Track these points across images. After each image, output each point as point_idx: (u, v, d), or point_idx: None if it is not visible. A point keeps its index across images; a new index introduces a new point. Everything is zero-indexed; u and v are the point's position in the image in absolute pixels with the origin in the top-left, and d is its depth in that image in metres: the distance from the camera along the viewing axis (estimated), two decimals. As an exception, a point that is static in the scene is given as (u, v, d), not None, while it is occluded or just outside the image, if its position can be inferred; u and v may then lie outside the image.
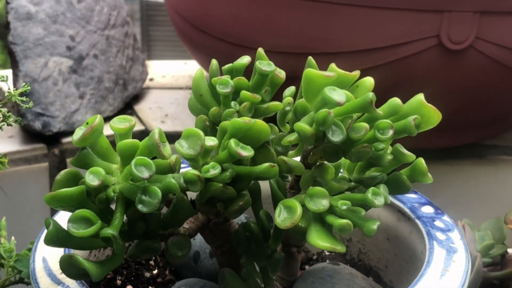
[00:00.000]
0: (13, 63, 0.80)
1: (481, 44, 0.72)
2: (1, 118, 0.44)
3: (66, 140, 0.82)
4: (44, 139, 0.82)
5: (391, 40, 0.71)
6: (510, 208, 0.89)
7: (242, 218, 0.57)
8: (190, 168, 0.44)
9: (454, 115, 0.77)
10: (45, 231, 0.50)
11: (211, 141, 0.42)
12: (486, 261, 0.66)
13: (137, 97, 0.96)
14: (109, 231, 0.39)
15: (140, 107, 0.94)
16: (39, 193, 0.81)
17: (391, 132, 0.42)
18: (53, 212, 0.83)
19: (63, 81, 0.83)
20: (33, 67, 0.81)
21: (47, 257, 0.47)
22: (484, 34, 0.71)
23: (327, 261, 0.58)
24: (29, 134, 0.82)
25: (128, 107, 0.93)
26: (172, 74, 1.07)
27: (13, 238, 0.52)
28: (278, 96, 0.48)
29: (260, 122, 0.42)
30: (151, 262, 0.55)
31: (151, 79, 1.04)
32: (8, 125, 0.44)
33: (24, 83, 0.46)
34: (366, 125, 0.42)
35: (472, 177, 0.88)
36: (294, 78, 0.49)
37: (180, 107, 0.95)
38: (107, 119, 0.88)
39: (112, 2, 0.94)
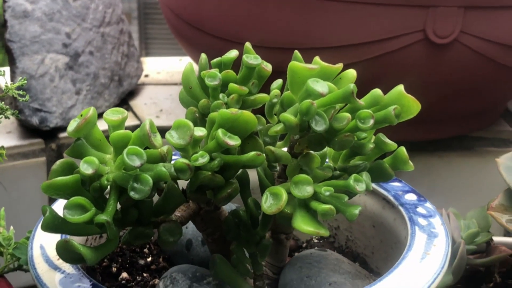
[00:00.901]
0: (11, 60, 0.82)
1: (466, 38, 0.74)
2: (-1, 112, 0.46)
3: (63, 135, 0.84)
4: (42, 134, 0.84)
5: (378, 35, 0.73)
6: (497, 198, 0.91)
7: (233, 207, 0.59)
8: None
9: (441, 108, 0.79)
10: (42, 220, 0.52)
11: (200, 131, 0.44)
12: (471, 248, 0.68)
13: (132, 93, 0.98)
14: (103, 217, 0.41)
15: (135, 103, 0.96)
16: (36, 187, 0.83)
17: (371, 122, 0.44)
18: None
19: (59, 78, 0.85)
20: (30, 64, 0.82)
21: (44, 244, 0.49)
22: (469, 28, 0.73)
23: (316, 248, 0.60)
24: (27, 130, 0.84)
25: (123, 102, 0.95)
26: (167, 71, 1.09)
27: (11, 227, 0.54)
28: (266, 89, 0.50)
29: (246, 113, 0.44)
30: (145, 250, 0.57)
31: (146, 76, 1.06)
32: (5, 117, 0.46)
33: (20, 78, 0.48)
34: (348, 115, 0.44)
35: (460, 168, 0.90)
36: (282, 72, 0.51)
37: (174, 103, 0.97)
38: (103, 114, 0.90)
39: (107, 0, 0.96)
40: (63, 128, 0.85)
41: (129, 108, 0.94)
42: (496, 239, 0.71)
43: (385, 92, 0.46)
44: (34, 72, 0.82)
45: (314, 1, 0.73)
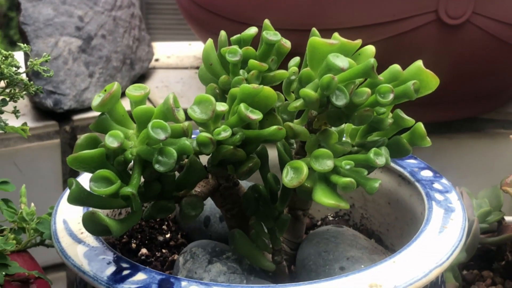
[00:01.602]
0: (25, 43, 0.83)
1: (478, 19, 0.74)
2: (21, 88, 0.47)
3: (76, 117, 0.85)
4: (56, 116, 0.85)
5: (390, 15, 0.74)
6: (507, 179, 0.91)
7: (248, 184, 0.60)
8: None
9: (452, 89, 0.79)
10: (65, 195, 0.53)
11: (221, 106, 0.45)
12: (483, 227, 0.68)
13: (143, 77, 0.99)
14: (128, 189, 0.41)
15: (147, 86, 0.96)
16: (51, 168, 0.84)
17: (391, 96, 0.45)
18: (65, 186, 0.86)
19: (73, 60, 0.85)
20: (44, 47, 0.83)
21: (67, 219, 0.50)
22: (481, 9, 0.74)
23: (332, 225, 0.61)
24: (41, 112, 0.85)
25: (135, 86, 0.96)
26: (177, 55, 1.09)
27: (32, 204, 0.55)
28: (283, 68, 0.51)
29: (267, 88, 0.45)
30: (164, 227, 0.58)
31: (156, 60, 1.07)
32: (29, 93, 0.46)
33: (45, 53, 0.49)
34: (368, 89, 0.45)
35: (471, 150, 0.91)
36: (295, 54, 0.52)
37: (186, 86, 0.97)
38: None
39: (118, -17, 0.96)
40: (77, 111, 0.86)
41: (141, 91, 0.95)
42: (508, 218, 0.72)
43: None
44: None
45: (327, -18, 0.73)
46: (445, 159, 0.90)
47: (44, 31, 0.84)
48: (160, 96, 0.93)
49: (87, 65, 0.87)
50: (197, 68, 1.04)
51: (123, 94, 0.43)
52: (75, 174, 0.86)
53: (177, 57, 1.09)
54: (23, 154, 0.82)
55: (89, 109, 0.87)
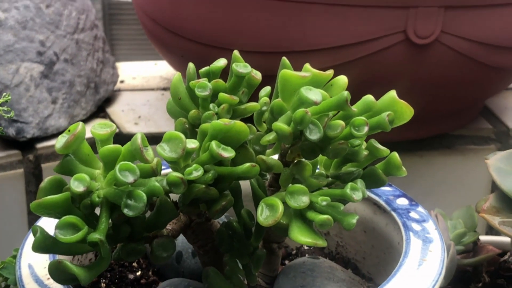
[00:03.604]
0: (-16, 71, 0.80)
1: (446, 38, 0.74)
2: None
3: (40, 145, 0.83)
4: (18, 145, 0.82)
5: (360, 36, 0.73)
6: (479, 195, 0.91)
7: (222, 217, 0.58)
8: (170, 170, 0.45)
9: (423, 107, 0.79)
10: (29, 238, 0.51)
11: (192, 144, 0.43)
12: (459, 248, 0.68)
13: (109, 100, 0.97)
14: (96, 236, 0.40)
15: (112, 110, 0.94)
16: (15, 199, 0.81)
17: (366, 129, 0.44)
18: (30, 218, 0.83)
19: (35, 87, 0.83)
20: (5, 74, 0.80)
21: (32, 264, 0.47)
22: (449, 28, 0.73)
23: (307, 255, 0.59)
24: (3, 141, 0.82)
25: (100, 110, 0.94)
26: (143, 76, 1.07)
27: (-4, 246, 0.53)
28: (252, 96, 0.49)
29: (239, 123, 0.43)
30: (134, 264, 0.56)
31: (121, 81, 1.04)
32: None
33: (5, 93, 0.47)
34: (342, 122, 0.44)
35: (442, 167, 0.90)
36: (266, 77, 0.50)
37: (152, 109, 0.95)
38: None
39: (80, 6, 0.94)
40: (41, 139, 0.83)
41: (106, 116, 0.93)
42: (483, 238, 0.71)
43: (371, 94, 0.46)
44: (9, 82, 0.80)
45: (295, 4, 0.72)
46: (417, 178, 0.90)
47: (5, 57, 0.81)
48: (126, 120, 0.91)
49: (50, 91, 0.85)
50: (164, 89, 1.03)
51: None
52: (40, 204, 0.83)
53: (143, 78, 1.07)
54: (-15, 186, 0.79)
55: (52, 136, 0.84)
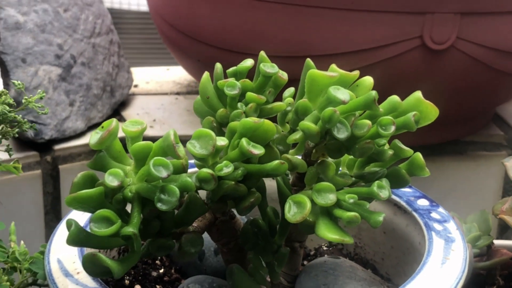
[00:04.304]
0: (4, 73, 0.81)
1: (462, 44, 0.75)
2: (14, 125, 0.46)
3: (58, 147, 0.83)
4: (36, 146, 0.83)
5: (376, 42, 0.74)
6: (490, 200, 0.92)
7: (242, 217, 0.59)
8: (194, 169, 0.46)
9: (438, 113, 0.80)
10: (57, 233, 0.51)
11: (222, 141, 0.44)
12: (473, 252, 0.68)
13: (124, 104, 0.98)
14: (130, 229, 0.40)
15: (128, 113, 0.95)
16: (32, 199, 0.82)
17: (393, 128, 0.45)
18: (47, 219, 0.84)
19: (53, 89, 0.84)
20: (24, 76, 0.81)
21: (61, 259, 0.48)
22: (465, 34, 0.74)
23: (326, 256, 0.60)
24: (22, 142, 0.83)
25: (116, 113, 0.95)
26: (156, 80, 1.08)
27: (22, 242, 0.54)
28: (274, 98, 0.50)
29: (268, 122, 0.44)
30: (157, 262, 0.57)
31: (135, 86, 1.05)
32: (23, 131, 0.45)
33: (39, 90, 0.48)
34: (368, 122, 0.45)
35: (454, 173, 0.91)
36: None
37: (167, 112, 0.96)
38: (96, 125, 0.89)
39: (97, 10, 0.95)
40: (58, 140, 0.84)
41: (122, 119, 0.94)
42: (497, 242, 0.72)
43: (383, 99, 0.47)
44: (28, 84, 0.81)
45: (312, 9, 0.73)
46: (429, 182, 0.90)
47: (24, 60, 0.82)
48: (141, 123, 0.92)
49: (67, 94, 0.85)
50: (177, 93, 1.04)
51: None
52: (57, 206, 0.84)
53: (156, 83, 1.08)
54: (4, 186, 0.80)
55: (70, 138, 0.85)
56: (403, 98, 0.47)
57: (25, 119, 0.46)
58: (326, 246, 0.62)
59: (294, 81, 0.51)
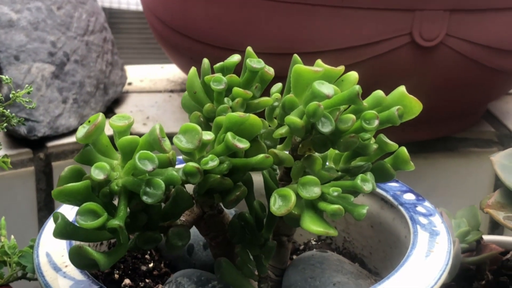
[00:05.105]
0: (-3, 70, 0.82)
1: (451, 41, 0.75)
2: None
3: (51, 144, 0.84)
4: (29, 143, 0.83)
5: (366, 38, 0.74)
6: (481, 197, 0.92)
7: (231, 211, 0.60)
8: (181, 165, 0.46)
9: (428, 109, 0.80)
10: (46, 227, 0.52)
11: (208, 135, 0.44)
12: (462, 247, 0.69)
13: (117, 101, 0.98)
14: (115, 222, 0.41)
15: (121, 111, 0.96)
16: (25, 196, 0.83)
17: (376, 122, 0.45)
18: (40, 215, 0.84)
19: (46, 87, 0.85)
20: (17, 74, 0.82)
21: (50, 252, 0.49)
22: (454, 31, 0.75)
23: (314, 250, 0.61)
24: (14, 139, 0.84)
25: (109, 111, 0.95)
26: (150, 78, 1.09)
27: (12, 236, 0.54)
28: (263, 94, 0.51)
29: (253, 116, 0.45)
30: (147, 256, 0.58)
31: (129, 83, 1.06)
32: (11, 125, 0.46)
33: (27, 85, 0.48)
34: (353, 116, 0.45)
35: (445, 169, 0.91)
36: (274, 78, 0.52)
37: (160, 110, 0.97)
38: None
39: (90, 8, 0.95)
40: (51, 137, 0.84)
41: (115, 116, 0.94)
42: (486, 237, 0.72)
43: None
44: (21, 81, 0.82)
45: (303, 6, 0.73)
46: (421, 179, 0.91)
47: (17, 57, 0.83)
48: (135, 120, 0.92)
49: (60, 91, 0.86)
50: (171, 91, 1.04)
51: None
52: (50, 203, 0.84)
53: (150, 81, 1.08)
54: (-3, 183, 0.80)
55: (63, 135, 0.86)
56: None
57: (13, 114, 0.47)
58: (315, 241, 0.63)
59: (282, 78, 0.51)
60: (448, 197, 0.92)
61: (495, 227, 0.94)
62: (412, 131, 0.85)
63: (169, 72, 1.12)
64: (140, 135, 0.43)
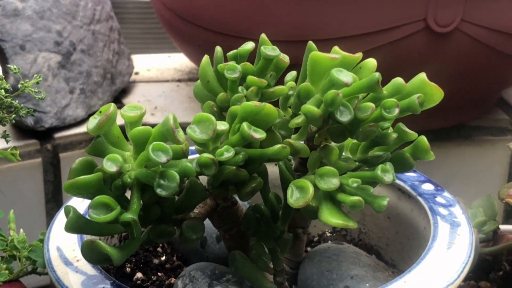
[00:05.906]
0: (3, 60, 0.80)
1: (466, 27, 0.74)
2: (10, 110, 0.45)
3: (58, 135, 0.83)
4: (36, 134, 0.82)
5: (380, 25, 0.73)
6: (496, 185, 0.91)
7: (244, 202, 0.58)
8: (195, 155, 0.45)
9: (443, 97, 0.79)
10: (56, 221, 0.51)
11: (222, 126, 0.43)
12: (479, 237, 0.68)
13: (125, 91, 0.97)
14: (129, 215, 0.40)
15: (129, 101, 0.94)
16: (33, 188, 0.82)
17: (397, 111, 0.44)
18: (48, 207, 0.83)
19: (52, 77, 0.83)
20: (23, 63, 0.81)
21: (61, 246, 0.48)
22: (469, 16, 0.73)
23: (329, 242, 0.59)
24: (21, 131, 0.82)
25: (117, 101, 0.94)
26: (157, 68, 1.07)
27: (22, 230, 0.53)
28: (276, 83, 0.49)
29: (269, 106, 0.43)
30: (159, 249, 0.56)
31: (136, 73, 1.04)
32: (20, 116, 0.44)
33: (36, 75, 0.47)
34: (372, 104, 0.44)
35: (459, 158, 0.90)
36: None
37: (168, 99, 0.95)
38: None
39: (96, -4, 0.94)
40: (58, 128, 0.83)
41: (122, 106, 0.93)
42: (503, 227, 0.71)
43: (387, 83, 0.46)
44: (27, 71, 0.81)
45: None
46: (434, 167, 0.89)
47: (23, 47, 0.81)
48: (142, 110, 0.91)
49: (67, 81, 0.85)
50: (179, 80, 1.03)
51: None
52: (58, 194, 0.83)
53: (157, 70, 1.07)
54: (4, 175, 0.79)
55: (70, 126, 0.84)
56: (407, 81, 0.46)
57: (22, 105, 0.46)
58: (329, 232, 0.62)
59: (296, 66, 0.50)
60: (461, 185, 0.91)
61: (510, 216, 0.92)
62: (426, 119, 0.83)
63: (176, 61, 1.10)
64: (148, 125, 0.41)
